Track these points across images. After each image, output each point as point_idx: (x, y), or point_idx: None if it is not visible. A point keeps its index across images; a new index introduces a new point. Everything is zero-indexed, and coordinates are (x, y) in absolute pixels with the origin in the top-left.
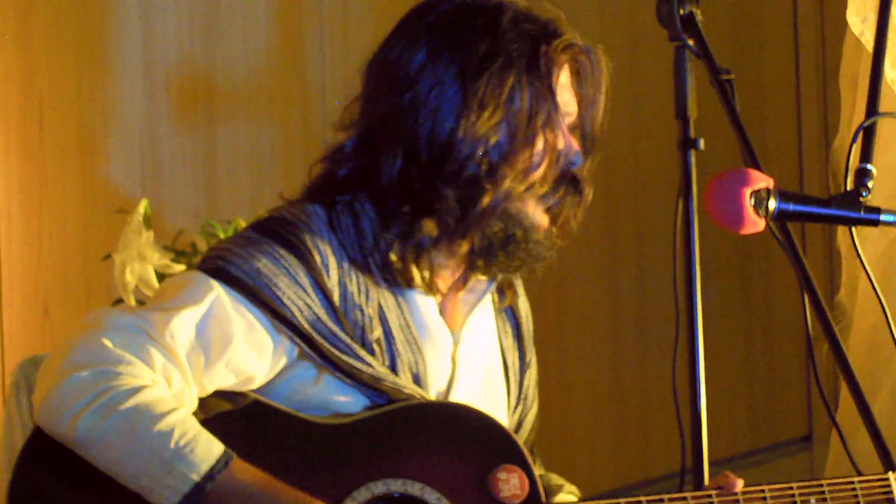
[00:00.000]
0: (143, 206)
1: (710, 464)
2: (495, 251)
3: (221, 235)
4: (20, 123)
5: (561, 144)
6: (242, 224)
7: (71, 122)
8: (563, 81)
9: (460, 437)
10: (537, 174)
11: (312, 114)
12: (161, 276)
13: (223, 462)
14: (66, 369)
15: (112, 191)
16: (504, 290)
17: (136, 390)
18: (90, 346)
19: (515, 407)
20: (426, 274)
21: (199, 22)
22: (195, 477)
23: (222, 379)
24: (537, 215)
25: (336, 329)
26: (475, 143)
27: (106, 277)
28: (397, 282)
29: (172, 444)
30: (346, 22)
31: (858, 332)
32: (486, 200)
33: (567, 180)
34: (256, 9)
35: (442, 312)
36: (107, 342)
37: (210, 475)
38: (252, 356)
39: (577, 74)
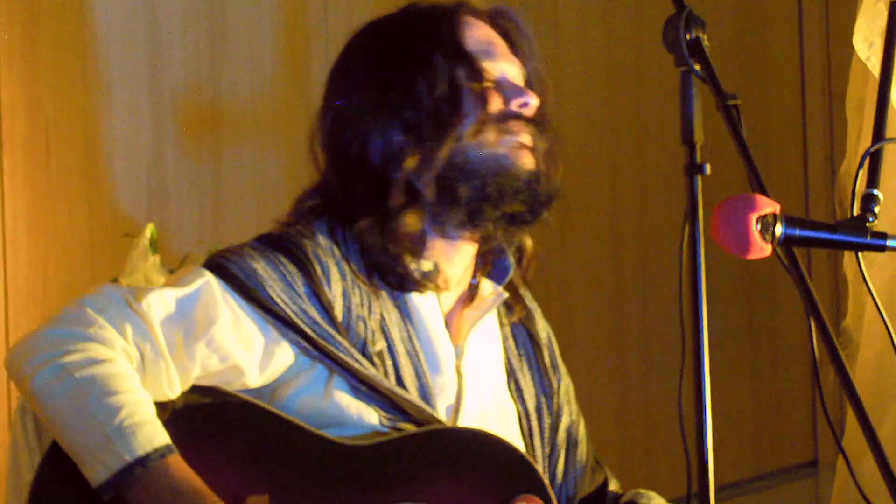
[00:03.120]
0: (149, 230)
1: (716, 489)
2: (491, 207)
3: None
4: (27, 148)
5: (487, 89)
6: None
7: (77, 146)
8: (477, 37)
9: (481, 465)
10: (476, 121)
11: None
12: None
13: (160, 453)
14: (44, 324)
15: (118, 215)
16: (512, 306)
17: (99, 361)
18: (71, 308)
19: (555, 428)
20: (431, 264)
21: (205, 47)
22: (128, 458)
23: (205, 358)
24: (517, 158)
25: (334, 333)
26: (403, 115)
27: None
28: (407, 287)
29: (116, 421)
30: None
31: (865, 357)
32: (441, 154)
33: (526, 120)
34: (262, 34)
35: (447, 326)
36: (87, 307)
37: (142, 460)
38: (237, 344)
39: (499, 31)
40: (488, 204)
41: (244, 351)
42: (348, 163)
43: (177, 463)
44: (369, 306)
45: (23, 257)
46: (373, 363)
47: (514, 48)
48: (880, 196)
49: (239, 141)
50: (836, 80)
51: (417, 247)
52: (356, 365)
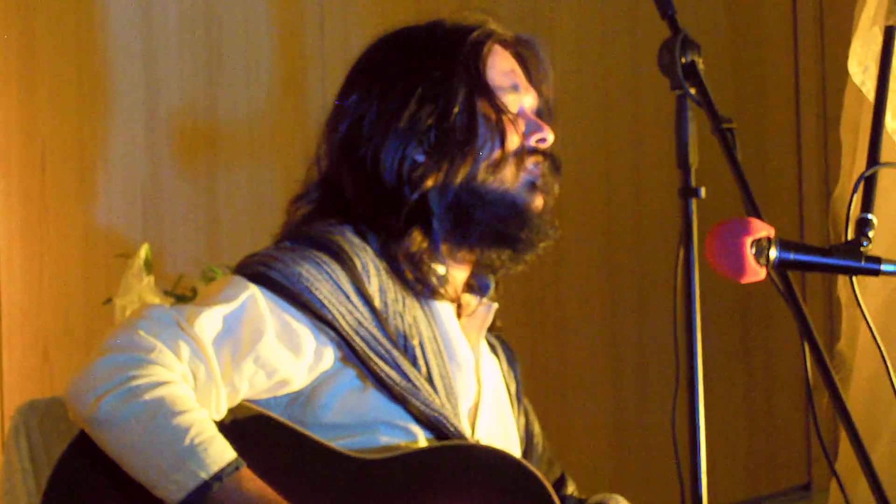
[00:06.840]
0: (143, 251)
1: None
2: (496, 241)
3: None
4: (22, 168)
5: (508, 124)
6: None
7: (72, 166)
8: (502, 68)
9: (491, 482)
10: (495, 154)
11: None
12: None
13: (233, 467)
14: (100, 353)
15: (113, 235)
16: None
17: (162, 383)
18: (126, 334)
19: (522, 425)
20: (444, 269)
21: (201, 66)
22: (203, 475)
23: (252, 376)
24: (530, 200)
25: (379, 334)
26: (415, 140)
27: (106, 321)
28: (423, 292)
29: (187, 441)
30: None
31: (858, 381)
32: (458, 180)
33: (542, 155)
34: (258, 54)
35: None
36: (141, 331)
37: (218, 476)
38: (286, 355)
39: (519, 60)
40: (494, 237)
41: (293, 360)
42: (363, 173)
43: (248, 475)
44: (403, 302)
45: (17, 277)
46: (413, 358)
47: (532, 77)
48: (874, 220)
49: (234, 161)
50: (831, 103)
51: (427, 256)
52: (389, 369)
